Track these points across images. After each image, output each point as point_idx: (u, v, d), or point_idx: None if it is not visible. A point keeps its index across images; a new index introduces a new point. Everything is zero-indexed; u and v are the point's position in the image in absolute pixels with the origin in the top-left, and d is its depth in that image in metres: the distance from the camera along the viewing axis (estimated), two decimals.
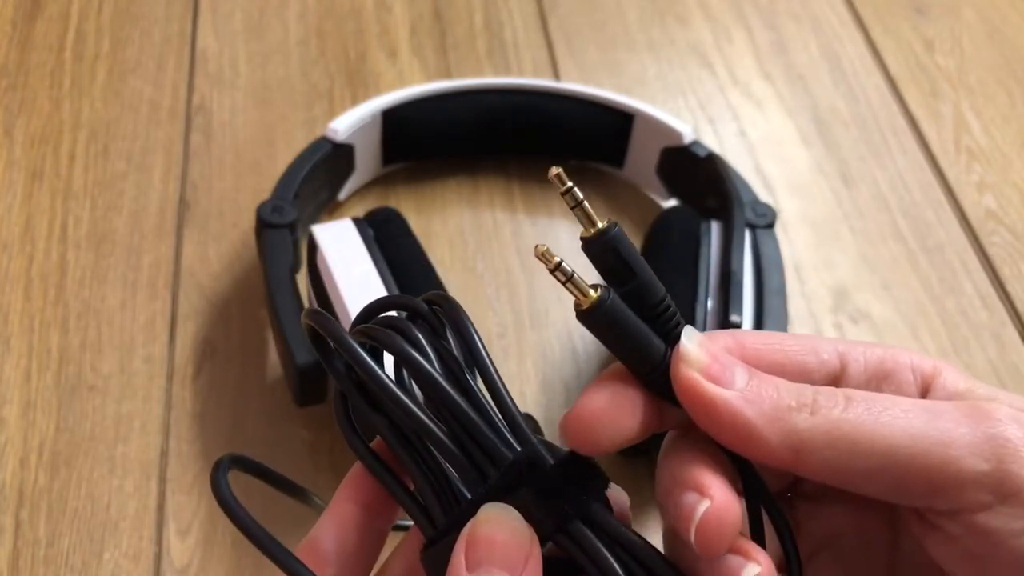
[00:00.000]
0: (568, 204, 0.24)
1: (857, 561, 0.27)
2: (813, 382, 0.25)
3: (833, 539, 0.28)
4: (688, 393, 0.24)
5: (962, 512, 0.24)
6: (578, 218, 0.24)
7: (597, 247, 0.24)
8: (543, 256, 0.23)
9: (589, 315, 0.24)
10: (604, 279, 0.24)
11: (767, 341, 0.26)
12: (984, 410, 0.24)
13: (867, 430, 0.23)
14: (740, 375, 0.24)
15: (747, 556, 0.24)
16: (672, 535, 0.26)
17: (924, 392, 0.26)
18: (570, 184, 0.23)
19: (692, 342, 0.24)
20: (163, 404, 0.52)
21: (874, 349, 0.26)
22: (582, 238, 0.24)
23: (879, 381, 0.26)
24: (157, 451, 0.50)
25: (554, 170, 0.24)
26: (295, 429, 0.51)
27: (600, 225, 0.24)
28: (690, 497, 0.24)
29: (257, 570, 0.47)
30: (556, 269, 0.23)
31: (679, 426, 0.26)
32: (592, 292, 0.24)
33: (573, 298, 0.24)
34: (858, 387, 0.26)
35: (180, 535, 0.48)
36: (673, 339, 0.25)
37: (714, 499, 0.24)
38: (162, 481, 0.49)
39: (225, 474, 0.27)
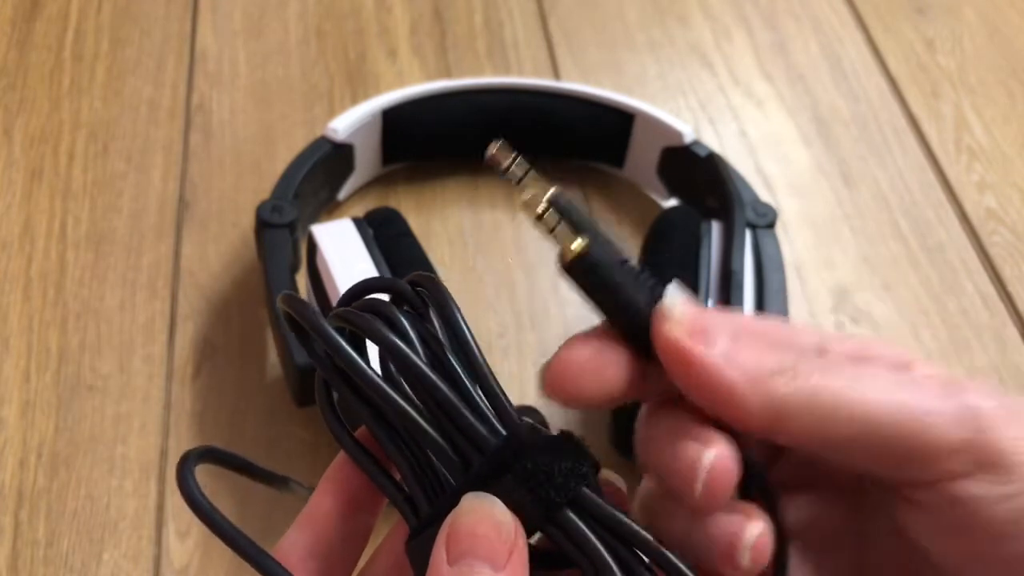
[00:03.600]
0: (511, 181, 0.24)
1: (825, 552, 0.27)
2: None
3: (801, 529, 0.27)
4: (670, 351, 0.24)
5: (941, 481, 0.23)
6: (524, 202, 0.24)
7: (556, 207, 0.24)
8: (528, 204, 0.23)
9: (575, 265, 0.23)
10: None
11: (748, 323, 0.26)
12: (960, 383, 0.24)
13: (847, 397, 0.23)
14: (723, 336, 0.24)
15: (746, 515, 0.24)
16: (656, 500, 0.26)
17: None
18: (511, 159, 0.24)
19: (676, 300, 0.24)
20: (162, 404, 0.52)
21: (851, 339, 0.26)
22: (546, 200, 0.24)
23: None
24: (157, 451, 0.50)
25: (492, 149, 0.24)
26: (295, 429, 0.51)
27: (547, 194, 0.23)
28: (693, 446, 0.23)
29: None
30: (540, 218, 0.23)
31: (662, 396, 0.25)
32: (579, 241, 0.23)
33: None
34: None
35: (180, 536, 0.47)
36: (655, 297, 0.24)
37: (719, 447, 0.23)
38: (161, 481, 0.49)
39: (192, 469, 0.26)
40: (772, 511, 0.25)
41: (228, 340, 0.55)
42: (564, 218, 0.23)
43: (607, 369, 0.24)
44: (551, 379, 0.24)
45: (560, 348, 0.24)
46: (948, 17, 0.76)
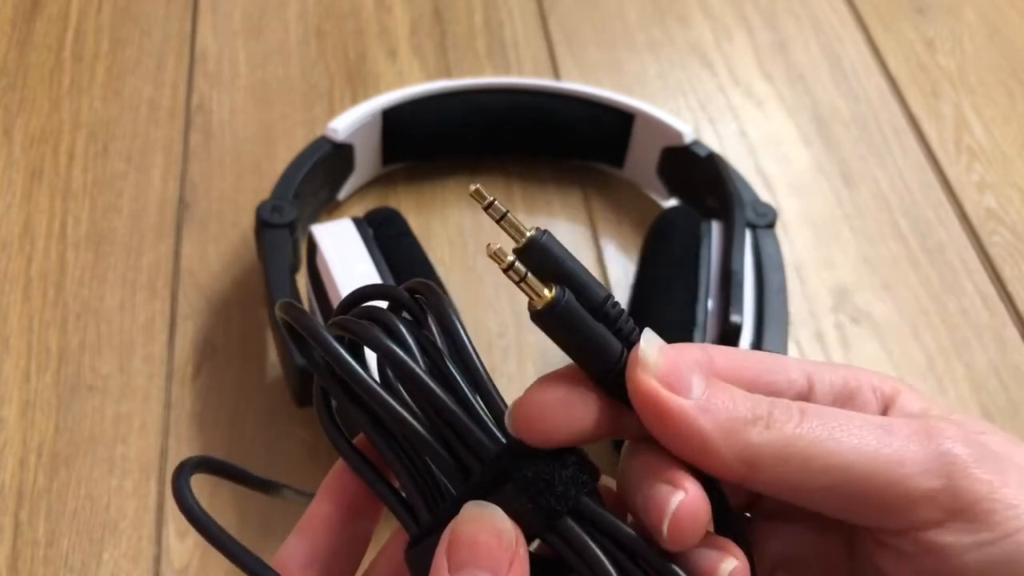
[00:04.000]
0: (492, 218, 0.23)
1: None
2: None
3: (790, 558, 0.28)
4: (643, 399, 0.24)
5: (913, 530, 0.24)
6: (505, 231, 0.23)
7: (528, 253, 0.23)
8: (496, 255, 0.23)
9: (544, 315, 0.23)
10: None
11: (737, 359, 0.26)
12: (935, 428, 0.24)
13: (822, 448, 0.23)
14: (697, 383, 0.24)
15: (723, 550, 0.24)
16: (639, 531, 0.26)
17: (884, 412, 0.26)
18: (491, 198, 0.23)
19: (651, 346, 0.24)
20: (162, 404, 0.52)
21: (838, 370, 0.26)
22: (514, 251, 0.23)
23: (843, 402, 0.26)
24: (156, 451, 0.50)
25: (473, 187, 0.24)
26: (294, 429, 0.51)
27: (528, 234, 0.23)
28: (663, 489, 0.23)
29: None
30: (509, 269, 0.23)
31: (637, 435, 0.25)
32: (547, 292, 0.23)
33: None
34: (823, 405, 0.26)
35: (179, 535, 0.47)
36: (630, 342, 0.24)
37: (688, 491, 0.23)
38: (161, 481, 0.49)
39: (188, 480, 0.26)
40: (746, 547, 0.25)
41: (228, 340, 0.55)
42: (538, 264, 0.23)
43: (576, 411, 0.24)
44: (517, 420, 0.24)
45: (529, 388, 0.24)
46: (948, 17, 0.76)
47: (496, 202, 0.23)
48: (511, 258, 0.23)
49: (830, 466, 0.23)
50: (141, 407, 0.52)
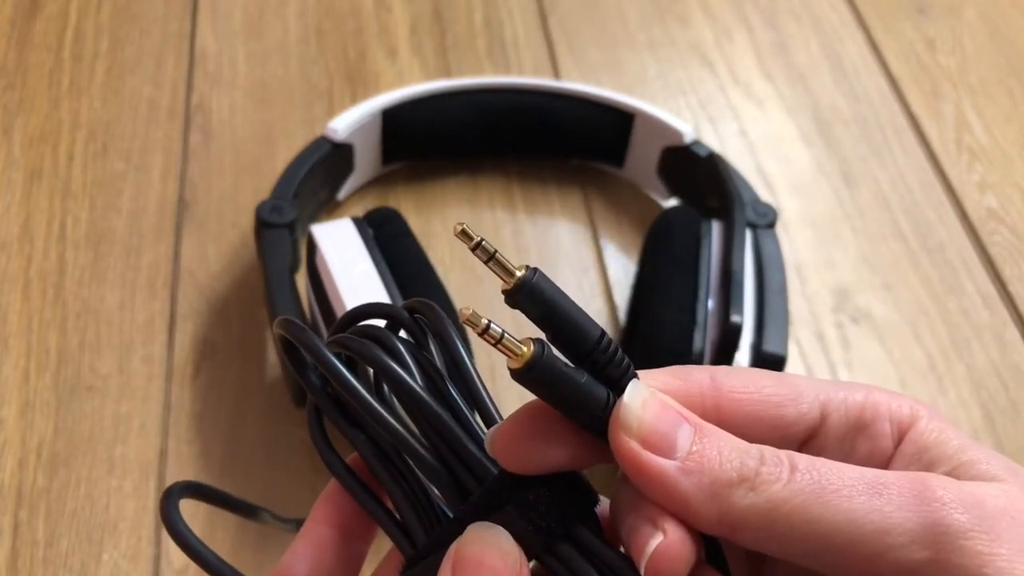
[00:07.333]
0: (480, 259, 0.23)
1: None
2: (789, 436, 0.25)
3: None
4: (622, 461, 0.23)
5: None
6: (494, 271, 0.23)
7: (517, 298, 0.22)
8: (470, 320, 0.22)
9: (523, 374, 0.22)
10: (537, 325, 0.23)
11: (746, 388, 0.25)
12: (930, 489, 0.23)
13: (806, 513, 0.23)
14: (684, 436, 0.23)
15: None
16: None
17: (898, 442, 0.25)
18: (479, 238, 0.22)
19: (635, 399, 0.23)
20: (162, 404, 0.52)
21: (855, 395, 0.26)
22: (503, 291, 0.23)
23: (856, 434, 0.25)
24: (156, 451, 0.50)
25: (458, 227, 0.23)
26: (294, 429, 0.51)
27: (518, 274, 0.22)
28: (644, 528, 0.23)
29: (257, 571, 0.47)
30: (485, 332, 0.22)
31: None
32: (524, 349, 0.22)
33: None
34: (836, 440, 0.25)
35: None
36: (621, 387, 0.23)
37: (668, 533, 0.23)
38: (161, 482, 0.49)
39: (176, 504, 0.26)
40: None
41: (228, 340, 0.55)
42: (528, 305, 0.23)
43: (550, 446, 0.24)
44: (493, 451, 0.23)
45: (510, 416, 0.24)
46: (949, 17, 0.76)
47: (484, 242, 0.22)
48: (485, 321, 0.22)
49: (814, 532, 0.23)
50: (141, 407, 0.51)
